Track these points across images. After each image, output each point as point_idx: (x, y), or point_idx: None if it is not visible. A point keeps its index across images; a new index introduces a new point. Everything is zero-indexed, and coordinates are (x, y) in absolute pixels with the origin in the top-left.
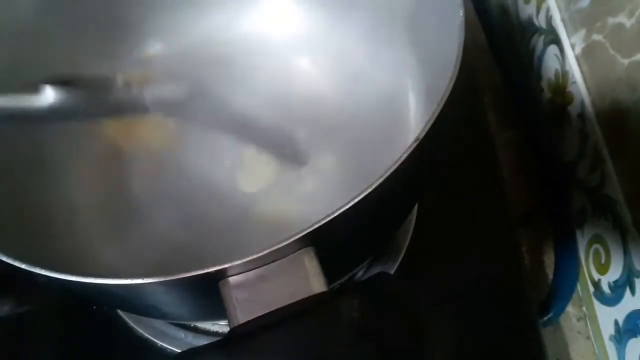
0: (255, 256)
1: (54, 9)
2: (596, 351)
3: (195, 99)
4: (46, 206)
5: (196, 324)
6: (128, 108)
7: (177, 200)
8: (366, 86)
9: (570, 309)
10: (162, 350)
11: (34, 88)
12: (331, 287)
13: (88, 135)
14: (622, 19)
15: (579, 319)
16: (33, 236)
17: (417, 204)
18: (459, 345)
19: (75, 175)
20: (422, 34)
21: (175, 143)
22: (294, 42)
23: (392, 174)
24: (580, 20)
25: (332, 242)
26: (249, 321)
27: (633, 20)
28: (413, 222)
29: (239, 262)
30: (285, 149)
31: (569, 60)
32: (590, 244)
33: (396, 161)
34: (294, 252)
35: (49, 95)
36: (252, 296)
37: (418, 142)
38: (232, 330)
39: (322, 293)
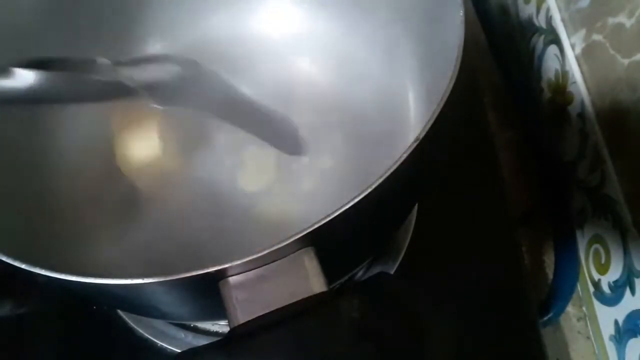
0: (255, 256)
1: (53, 9)
2: (596, 351)
3: (188, 82)
4: (46, 206)
5: (196, 324)
6: (113, 91)
7: (178, 201)
8: (366, 86)
9: (570, 309)
10: (162, 350)
11: (3, 70)
12: (331, 287)
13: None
14: (622, 19)
15: (579, 319)
16: (33, 236)
17: (417, 204)
18: (459, 345)
19: (74, 172)
20: (422, 34)
21: (175, 143)
22: (294, 42)
23: (392, 174)
24: (580, 20)
25: (332, 242)
26: (249, 321)
27: (633, 20)
28: (413, 222)
29: (239, 262)
30: (285, 139)
31: (569, 60)
32: (590, 244)
33: (396, 161)
34: (294, 252)
35: (26, 78)
36: (252, 296)
37: (418, 142)
38: (232, 330)
39: (322, 293)
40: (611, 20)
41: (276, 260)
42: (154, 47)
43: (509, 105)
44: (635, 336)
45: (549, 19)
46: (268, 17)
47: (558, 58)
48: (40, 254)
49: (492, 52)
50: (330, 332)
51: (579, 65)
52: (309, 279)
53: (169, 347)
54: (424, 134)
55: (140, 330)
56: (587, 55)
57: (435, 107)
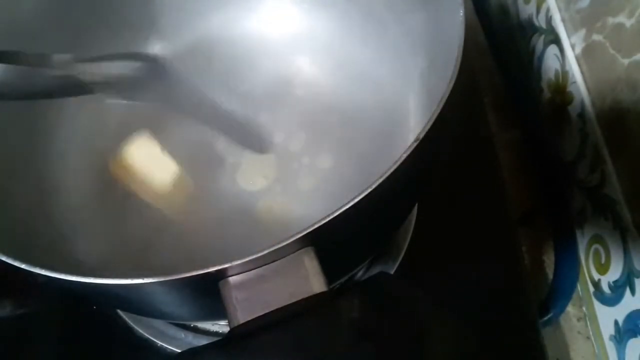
0: (255, 256)
1: (53, 9)
2: (596, 351)
3: (148, 78)
4: (46, 206)
5: (196, 324)
6: (68, 86)
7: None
8: (366, 86)
9: (570, 309)
10: (162, 350)
11: None
12: (331, 287)
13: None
14: (622, 19)
15: (579, 319)
16: (33, 236)
17: (417, 204)
18: (458, 345)
19: (74, 172)
20: (422, 34)
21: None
22: (294, 42)
23: (392, 174)
24: (580, 20)
25: (332, 242)
26: (249, 321)
27: (633, 20)
28: (413, 222)
29: (239, 262)
30: (249, 137)
31: (569, 60)
32: (590, 244)
33: (396, 161)
34: (294, 252)
35: None
36: (252, 296)
37: (418, 142)
38: (232, 330)
39: (322, 293)
40: (611, 20)
41: (276, 260)
42: (154, 47)
43: (509, 105)
44: (635, 336)
45: (549, 19)
46: (268, 16)
47: (558, 58)
48: (40, 254)
49: (492, 52)
50: (330, 332)
51: (579, 65)
52: (309, 279)
53: (169, 347)
54: (424, 134)
55: (140, 330)
56: (587, 55)
57: (435, 107)
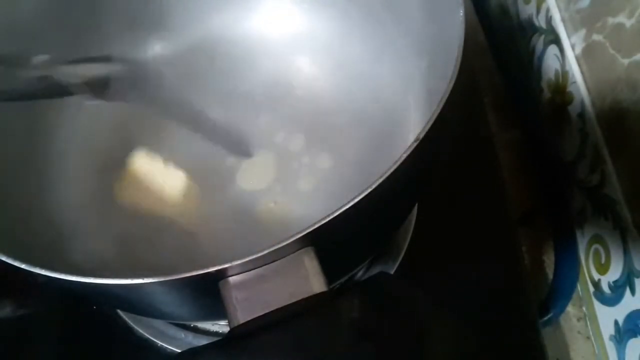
0: (255, 256)
1: (53, 9)
2: (596, 351)
3: (130, 80)
4: (46, 206)
5: (196, 324)
6: (47, 88)
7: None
8: (366, 86)
9: (570, 309)
10: (162, 350)
11: None
12: (331, 287)
13: (90, 136)
14: (622, 19)
15: (579, 319)
16: (33, 236)
17: (417, 204)
18: (458, 345)
19: (74, 172)
20: (422, 34)
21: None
22: (294, 42)
23: (392, 174)
24: (580, 20)
25: (332, 242)
26: (249, 321)
27: (633, 20)
28: (413, 222)
29: (239, 262)
30: (232, 142)
31: (569, 60)
32: (590, 244)
33: (396, 161)
34: (294, 252)
35: None
36: (252, 296)
37: (418, 142)
38: (232, 330)
39: (322, 293)
40: (611, 20)
41: (276, 260)
42: (154, 47)
43: (509, 105)
44: (635, 336)
45: (549, 19)
46: (268, 17)
47: (558, 58)
48: (40, 254)
49: (492, 52)
50: (330, 332)
51: (579, 65)
52: (309, 279)
53: (169, 347)
54: (424, 134)
55: (140, 330)
56: (587, 55)
57: (435, 108)
